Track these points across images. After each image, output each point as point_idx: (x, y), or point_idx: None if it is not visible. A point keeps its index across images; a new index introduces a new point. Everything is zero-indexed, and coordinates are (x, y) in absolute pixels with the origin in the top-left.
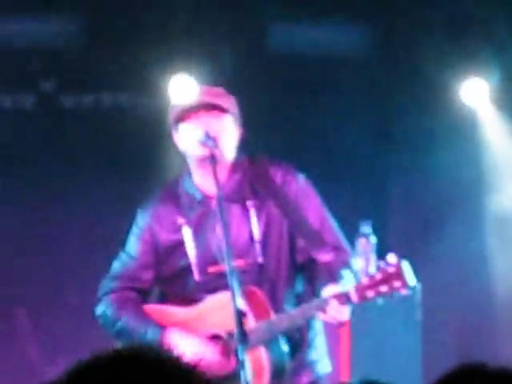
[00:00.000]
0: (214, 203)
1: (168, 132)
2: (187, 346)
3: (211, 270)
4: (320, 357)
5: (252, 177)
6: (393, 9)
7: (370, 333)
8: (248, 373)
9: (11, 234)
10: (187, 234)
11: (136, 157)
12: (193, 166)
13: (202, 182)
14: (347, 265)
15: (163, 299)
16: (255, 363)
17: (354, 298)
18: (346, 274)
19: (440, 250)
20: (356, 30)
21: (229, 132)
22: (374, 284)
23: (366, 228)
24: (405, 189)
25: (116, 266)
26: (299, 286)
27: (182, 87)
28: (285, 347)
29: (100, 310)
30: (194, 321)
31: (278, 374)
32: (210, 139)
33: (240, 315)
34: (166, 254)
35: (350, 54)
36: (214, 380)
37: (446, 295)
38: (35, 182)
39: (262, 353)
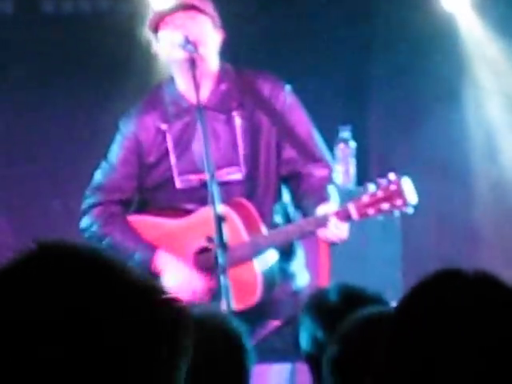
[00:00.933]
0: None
1: (147, 38)
2: (174, 272)
3: (193, 177)
4: (299, 268)
5: (239, 87)
6: None
7: (349, 240)
8: (229, 285)
9: None
10: (170, 141)
11: (116, 62)
12: (176, 72)
13: (187, 88)
14: (332, 180)
15: (144, 207)
16: (248, 277)
17: (355, 215)
18: (331, 190)
19: (422, 152)
20: None
21: (208, 34)
22: (374, 201)
23: (345, 133)
24: (385, 95)
25: (98, 176)
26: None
27: None
28: (274, 259)
29: (85, 223)
30: (183, 233)
31: (269, 286)
32: (189, 43)
33: (220, 220)
34: (149, 163)
35: None
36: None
37: (427, 199)
38: (15, 87)
39: (255, 266)
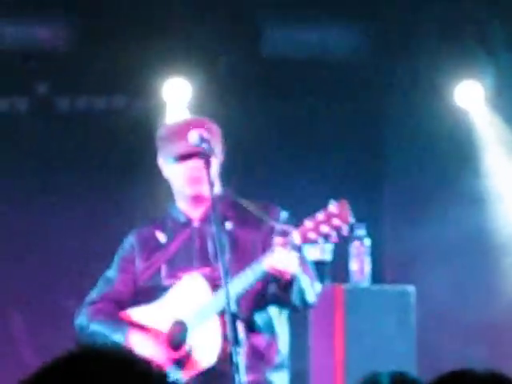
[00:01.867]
0: (195, 225)
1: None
2: (143, 349)
3: (180, 274)
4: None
5: (234, 207)
6: (387, 12)
7: (364, 336)
8: (241, 372)
9: (7, 237)
10: (165, 253)
11: (130, 159)
12: (180, 195)
13: (187, 209)
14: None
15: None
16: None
17: (297, 239)
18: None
19: (435, 253)
20: (350, 34)
21: (215, 168)
22: (315, 225)
23: (360, 230)
24: (399, 193)
25: (99, 284)
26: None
27: (176, 90)
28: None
29: (78, 319)
30: (159, 311)
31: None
32: (204, 141)
33: (234, 319)
34: (144, 268)
35: (344, 57)
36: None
37: (442, 298)
38: (30, 185)
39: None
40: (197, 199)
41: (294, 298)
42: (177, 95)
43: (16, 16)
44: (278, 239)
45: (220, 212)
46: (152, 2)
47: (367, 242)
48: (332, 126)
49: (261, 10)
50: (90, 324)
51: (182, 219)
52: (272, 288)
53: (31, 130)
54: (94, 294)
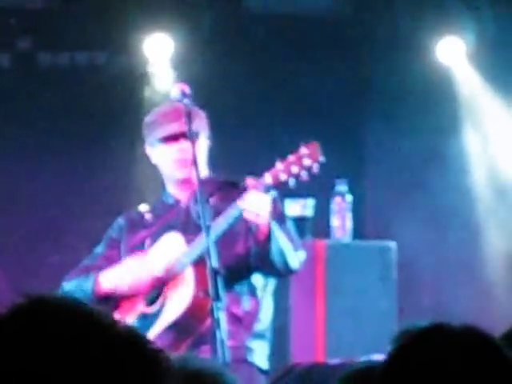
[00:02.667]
0: (182, 206)
1: (143, 91)
2: (118, 278)
3: None
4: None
5: (221, 188)
6: None
7: (345, 292)
8: (222, 328)
9: None
10: (153, 228)
11: (112, 114)
12: (168, 178)
13: (176, 191)
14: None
15: None
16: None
17: (269, 180)
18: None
19: (418, 206)
20: None
21: (202, 149)
22: (286, 166)
23: (341, 186)
24: (381, 150)
25: (87, 257)
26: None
27: (158, 46)
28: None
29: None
30: (137, 264)
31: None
32: (186, 96)
33: (215, 274)
34: (127, 248)
35: (327, 13)
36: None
37: (424, 254)
38: (12, 140)
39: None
40: (185, 182)
41: (274, 255)
42: (159, 51)
43: None
44: (249, 181)
45: (206, 192)
46: None
47: (349, 198)
48: (314, 82)
49: None
50: (66, 285)
51: (171, 201)
52: (253, 249)
53: (13, 85)
54: (79, 267)
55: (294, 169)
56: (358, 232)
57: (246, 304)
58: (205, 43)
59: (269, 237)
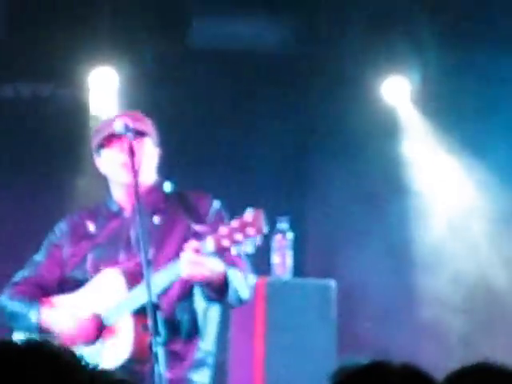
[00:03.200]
0: (126, 215)
1: (86, 123)
2: (59, 322)
3: (104, 267)
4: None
5: (167, 199)
6: (315, 4)
7: (284, 330)
8: (160, 362)
9: None
10: (95, 240)
11: (54, 147)
12: (114, 185)
13: (120, 197)
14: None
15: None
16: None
17: (211, 246)
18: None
19: (359, 245)
20: (278, 25)
21: (149, 154)
22: (229, 233)
23: (282, 224)
24: (324, 186)
25: (26, 265)
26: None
27: (103, 79)
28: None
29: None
30: (77, 302)
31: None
32: (129, 130)
33: (154, 308)
34: (70, 256)
35: (271, 49)
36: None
37: (364, 292)
38: None
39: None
40: (131, 188)
41: (229, 298)
42: (103, 84)
43: None
44: (191, 243)
45: (150, 203)
46: None
47: (290, 235)
48: (258, 117)
49: (188, 0)
50: (7, 304)
51: (115, 208)
52: (202, 290)
53: None
54: (18, 276)
55: (238, 236)
56: (299, 270)
57: (183, 337)
58: (148, 77)
59: (225, 285)
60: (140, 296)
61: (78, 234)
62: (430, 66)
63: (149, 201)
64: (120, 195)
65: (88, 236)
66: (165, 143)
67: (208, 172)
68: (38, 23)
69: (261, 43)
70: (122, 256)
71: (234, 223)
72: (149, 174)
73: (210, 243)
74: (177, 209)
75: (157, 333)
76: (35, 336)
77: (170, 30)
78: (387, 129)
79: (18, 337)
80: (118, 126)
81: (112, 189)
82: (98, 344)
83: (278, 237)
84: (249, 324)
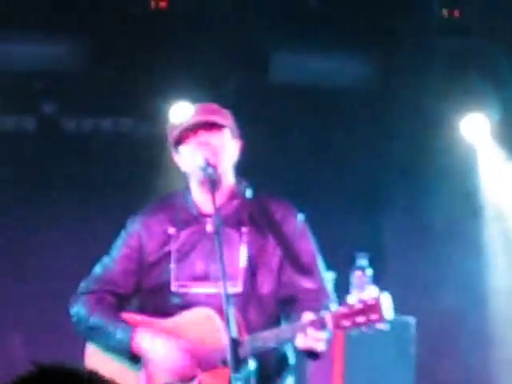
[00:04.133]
0: (208, 223)
1: (167, 157)
2: (157, 347)
3: (191, 284)
4: None
5: (251, 207)
6: (394, 41)
7: (363, 366)
8: None
9: (9, 254)
10: (174, 245)
11: (135, 182)
12: (193, 184)
13: (201, 200)
14: (327, 308)
15: (140, 311)
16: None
17: (330, 324)
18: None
19: (438, 282)
20: (358, 61)
21: (228, 147)
22: (351, 314)
23: (362, 260)
24: (403, 223)
25: (96, 269)
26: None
27: (182, 114)
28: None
29: (75, 308)
30: (168, 333)
31: None
32: (209, 167)
33: (235, 343)
34: (149, 263)
35: (350, 85)
36: None
37: (443, 331)
38: (35, 204)
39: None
40: (211, 184)
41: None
42: (183, 119)
43: (24, 36)
44: (309, 315)
45: (234, 213)
46: (161, 26)
47: (369, 271)
48: (336, 154)
49: (268, 37)
50: (90, 317)
51: (194, 212)
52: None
53: (37, 149)
54: (91, 282)
55: (360, 319)
56: None
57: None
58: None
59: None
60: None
61: (159, 240)
62: (510, 102)
63: (232, 208)
64: (200, 196)
65: (169, 242)
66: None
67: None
68: (119, 58)
69: (340, 79)
70: (207, 269)
71: (357, 305)
72: (229, 172)
73: (328, 320)
74: (262, 220)
75: (237, 369)
76: (124, 356)
77: (250, 65)
78: (467, 166)
79: (95, 351)
80: (198, 162)
81: (192, 187)
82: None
83: (357, 273)
84: (327, 362)
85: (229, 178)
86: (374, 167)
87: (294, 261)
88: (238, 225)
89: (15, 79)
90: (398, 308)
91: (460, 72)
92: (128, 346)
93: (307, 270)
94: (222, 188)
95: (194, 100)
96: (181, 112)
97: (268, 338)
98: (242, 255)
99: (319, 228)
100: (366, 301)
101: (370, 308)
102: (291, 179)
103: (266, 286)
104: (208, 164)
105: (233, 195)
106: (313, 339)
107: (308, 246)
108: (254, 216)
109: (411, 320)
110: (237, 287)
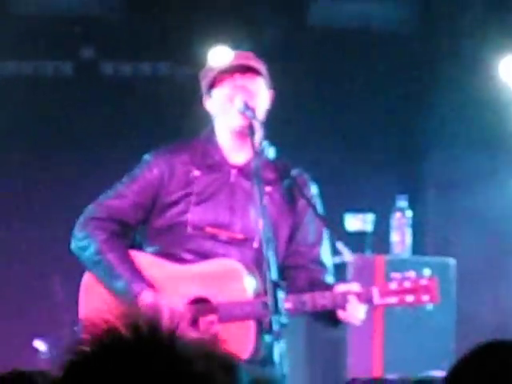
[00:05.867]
0: (232, 173)
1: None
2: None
3: (208, 230)
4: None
5: (274, 168)
6: None
7: (403, 309)
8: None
9: (50, 199)
10: (197, 188)
11: (173, 126)
12: (222, 130)
13: (228, 147)
14: (324, 282)
15: (146, 246)
16: (244, 335)
17: (376, 299)
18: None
19: (478, 222)
20: (396, 5)
21: (262, 95)
22: (400, 291)
23: (401, 202)
24: (443, 165)
25: (109, 194)
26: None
27: (221, 58)
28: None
29: (83, 232)
30: (180, 279)
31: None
32: (248, 109)
33: (275, 286)
34: (167, 202)
35: (389, 29)
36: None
37: (484, 270)
38: (75, 149)
39: (253, 327)
40: (249, 128)
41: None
42: (221, 62)
43: None
44: (355, 286)
45: (260, 170)
46: None
47: (409, 213)
48: (376, 98)
49: None
50: (99, 253)
51: (221, 160)
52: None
53: (76, 93)
54: (101, 208)
55: (409, 298)
56: (418, 248)
57: None
58: (266, 57)
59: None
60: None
61: (181, 180)
62: None
63: (255, 167)
64: (227, 143)
65: (192, 184)
66: (279, 121)
67: (323, 149)
68: (157, 2)
69: (378, 22)
70: (225, 219)
71: (407, 283)
72: (260, 120)
73: (375, 294)
74: (281, 184)
75: (276, 311)
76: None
77: (288, 8)
78: (504, 107)
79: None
80: (237, 104)
81: (220, 133)
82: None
83: (397, 215)
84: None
85: (260, 129)
86: (415, 111)
87: (303, 232)
88: (260, 182)
89: (53, 24)
90: (438, 249)
91: (498, 11)
92: (130, 298)
93: (314, 243)
94: (251, 140)
95: (232, 45)
96: (219, 56)
97: (306, 300)
98: (262, 213)
99: (359, 171)
100: (417, 280)
101: (423, 288)
102: (328, 123)
103: (277, 251)
104: (247, 106)
105: (258, 152)
106: (353, 310)
107: (317, 219)
108: (276, 178)
109: (451, 261)
110: (254, 245)
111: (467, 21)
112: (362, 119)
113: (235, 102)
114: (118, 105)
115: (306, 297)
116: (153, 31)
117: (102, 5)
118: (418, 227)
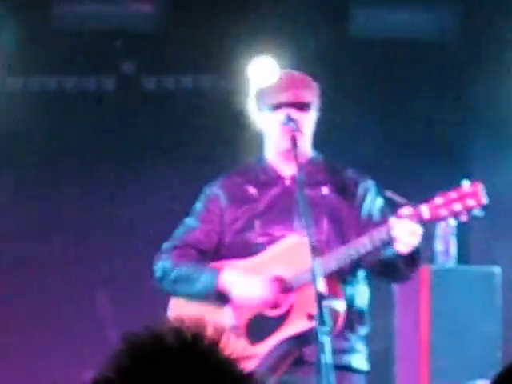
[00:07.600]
0: (287, 183)
1: (247, 114)
2: (245, 285)
3: (276, 233)
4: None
5: (328, 171)
6: None
7: (449, 317)
8: (326, 351)
9: (96, 215)
10: (255, 204)
11: (215, 138)
12: (270, 146)
13: (276, 161)
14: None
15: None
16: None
17: (427, 214)
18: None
19: None
20: (438, 14)
21: (311, 127)
22: (447, 202)
23: None
24: (488, 171)
25: (180, 229)
26: None
27: (263, 70)
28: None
29: (159, 264)
30: (256, 267)
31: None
32: (291, 121)
33: (320, 297)
34: (231, 223)
35: (429, 37)
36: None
37: None
38: (117, 163)
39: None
40: (290, 154)
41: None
42: (263, 75)
43: None
44: (406, 210)
45: (312, 175)
46: None
47: (453, 222)
48: (419, 106)
49: None
50: (174, 268)
51: (273, 174)
52: (390, 259)
53: (117, 108)
54: (174, 240)
55: (457, 206)
56: (463, 257)
57: (356, 307)
58: (309, 68)
59: (416, 258)
60: (330, 263)
61: (239, 199)
62: None
63: (310, 171)
64: (277, 160)
65: (250, 201)
66: (323, 132)
67: (366, 151)
68: (199, 14)
69: (418, 32)
70: (288, 223)
71: (452, 194)
72: (308, 145)
73: (425, 211)
74: (341, 183)
75: (322, 322)
76: (210, 298)
77: (330, 20)
78: None
79: (181, 301)
80: (280, 116)
81: (268, 151)
82: (282, 308)
83: (441, 224)
84: (414, 311)
85: (308, 148)
86: (457, 119)
87: (357, 227)
88: (316, 184)
89: (95, 40)
90: (483, 258)
91: None
92: (214, 286)
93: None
94: (301, 153)
95: (274, 56)
96: (261, 68)
97: (365, 242)
98: (324, 219)
99: (401, 176)
100: (460, 188)
101: (467, 194)
102: (372, 125)
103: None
104: (290, 118)
105: (309, 161)
106: (408, 233)
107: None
108: (329, 179)
109: (497, 270)
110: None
111: (510, 28)
112: (403, 124)
113: (278, 115)
114: (160, 119)
115: (365, 238)
116: (194, 45)
117: (143, 19)
118: (462, 236)
